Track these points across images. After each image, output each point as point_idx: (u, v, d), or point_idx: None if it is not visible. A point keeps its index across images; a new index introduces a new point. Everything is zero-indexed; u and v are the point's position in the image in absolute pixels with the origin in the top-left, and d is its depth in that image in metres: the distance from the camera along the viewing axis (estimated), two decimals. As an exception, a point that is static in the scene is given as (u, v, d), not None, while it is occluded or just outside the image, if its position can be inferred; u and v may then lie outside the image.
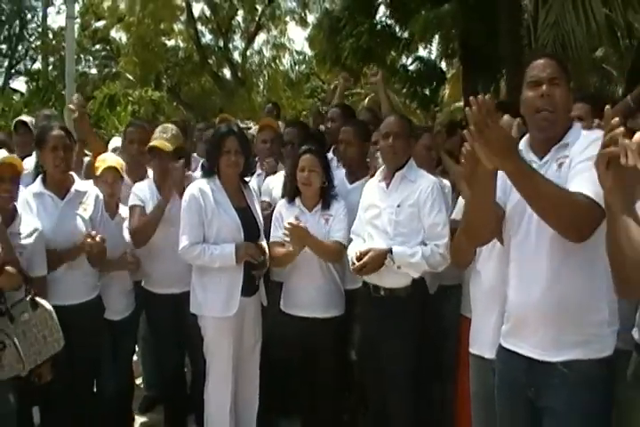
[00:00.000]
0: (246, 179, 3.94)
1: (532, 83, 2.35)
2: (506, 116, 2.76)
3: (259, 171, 4.59)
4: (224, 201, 3.72)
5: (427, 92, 11.38)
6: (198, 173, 4.04)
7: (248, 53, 23.15)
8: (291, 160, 4.03)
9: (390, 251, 3.42)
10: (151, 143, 4.00)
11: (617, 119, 1.75)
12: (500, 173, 2.21)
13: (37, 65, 24.94)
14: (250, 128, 6.26)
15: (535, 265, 2.31)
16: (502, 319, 2.53)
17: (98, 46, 25.17)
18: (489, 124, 1.96)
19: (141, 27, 19.95)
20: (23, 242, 3.25)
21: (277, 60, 22.94)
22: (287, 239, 3.64)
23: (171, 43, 22.66)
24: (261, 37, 23.18)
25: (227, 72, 23.40)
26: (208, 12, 22.36)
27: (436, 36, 10.50)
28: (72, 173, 3.73)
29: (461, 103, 11.83)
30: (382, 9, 10.94)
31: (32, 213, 3.46)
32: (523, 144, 2.42)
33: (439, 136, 4.39)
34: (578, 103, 3.07)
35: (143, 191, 4.01)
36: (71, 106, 4.51)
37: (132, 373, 4.28)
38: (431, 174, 3.64)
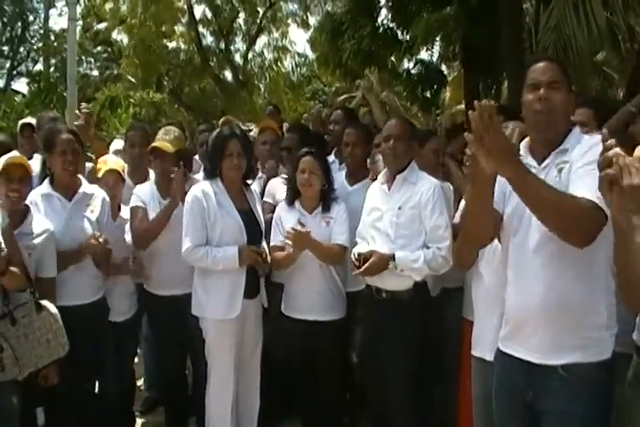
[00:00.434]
0: (248, 181, 3.95)
1: (531, 86, 2.36)
2: (512, 123, 2.76)
3: (259, 173, 4.59)
4: (227, 203, 3.72)
5: (428, 94, 11.37)
6: (201, 175, 4.05)
7: (249, 56, 23.17)
8: (290, 164, 4.05)
9: (393, 257, 3.43)
10: (153, 144, 4.03)
11: (612, 140, 1.73)
12: (499, 178, 2.21)
13: (39, 67, 24.99)
14: (251, 130, 6.26)
15: (533, 268, 2.31)
16: (503, 322, 2.54)
17: (99, 48, 25.20)
18: (489, 129, 1.96)
19: (143, 29, 19.95)
20: (32, 242, 3.25)
21: (279, 63, 22.96)
22: (289, 242, 3.65)
23: (172, 45, 22.66)
24: (263, 40, 23.24)
25: (228, 74, 23.42)
26: (209, 15, 22.39)
27: (438, 39, 10.49)
28: (80, 175, 3.76)
29: (462, 106, 11.84)
30: (384, 12, 10.94)
31: (40, 214, 3.47)
32: (522, 148, 2.42)
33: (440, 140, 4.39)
34: (580, 108, 3.07)
35: (145, 193, 4.03)
36: (77, 112, 4.54)
37: (134, 374, 4.29)
38: (437, 178, 3.65)
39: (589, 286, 2.26)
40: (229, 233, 3.69)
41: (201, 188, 3.74)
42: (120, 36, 22.86)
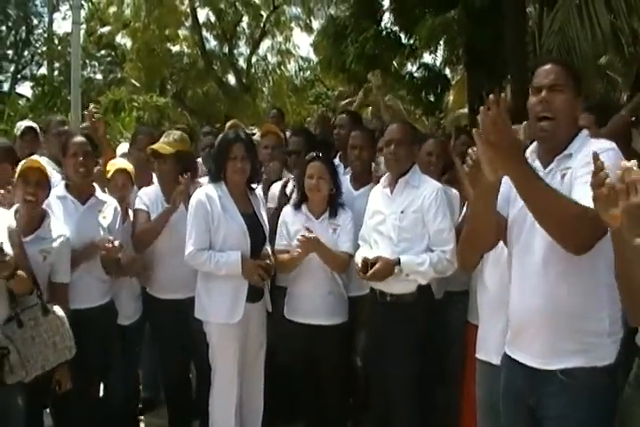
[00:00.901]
0: (253, 185, 3.95)
1: (534, 88, 2.35)
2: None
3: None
4: (231, 207, 3.72)
5: (431, 98, 11.37)
6: (205, 178, 4.06)
7: (253, 59, 23.26)
8: (298, 169, 4.05)
9: (398, 261, 3.43)
10: (150, 146, 4.08)
11: (601, 161, 1.72)
12: (505, 181, 2.20)
13: (43, 70, 25.14)
14: (254, 134, 6.27)
15: (535, 274, 2.29)
16: (508, 325, 2.53)
17: (103, 52, 25.30)
18: (498, 124, 1.95)
19: (146, 32, 20.04)
20: (48, 246, 3.27)
21: (282, 66, 23.03)
22: (298, 250, 3.65)
23: (176, 48, 22.76)
24: (266, 43, 23.33)
25: (231, 78, 23.49)
26: (213, 18, 22.47)
27: (441, 43, 10.49)
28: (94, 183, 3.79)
29: (466, 110, 11.83)
30: (387, 15, 10.96)
31: (54, 215, 3.48)
32: (530, 151, 2.41)
33: (442, 142, 4.35)
34: (582, 113, 3.06)
35: (149, 196, 4.05)
36: (86, 112, 4.59)
37: (139, 377, 4.29)
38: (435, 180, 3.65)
39: (591, 292, 2.23)
40: (233, 237, 3.69)
41: (205, 191, 3.74)
42: (124, 40, 23.03)
